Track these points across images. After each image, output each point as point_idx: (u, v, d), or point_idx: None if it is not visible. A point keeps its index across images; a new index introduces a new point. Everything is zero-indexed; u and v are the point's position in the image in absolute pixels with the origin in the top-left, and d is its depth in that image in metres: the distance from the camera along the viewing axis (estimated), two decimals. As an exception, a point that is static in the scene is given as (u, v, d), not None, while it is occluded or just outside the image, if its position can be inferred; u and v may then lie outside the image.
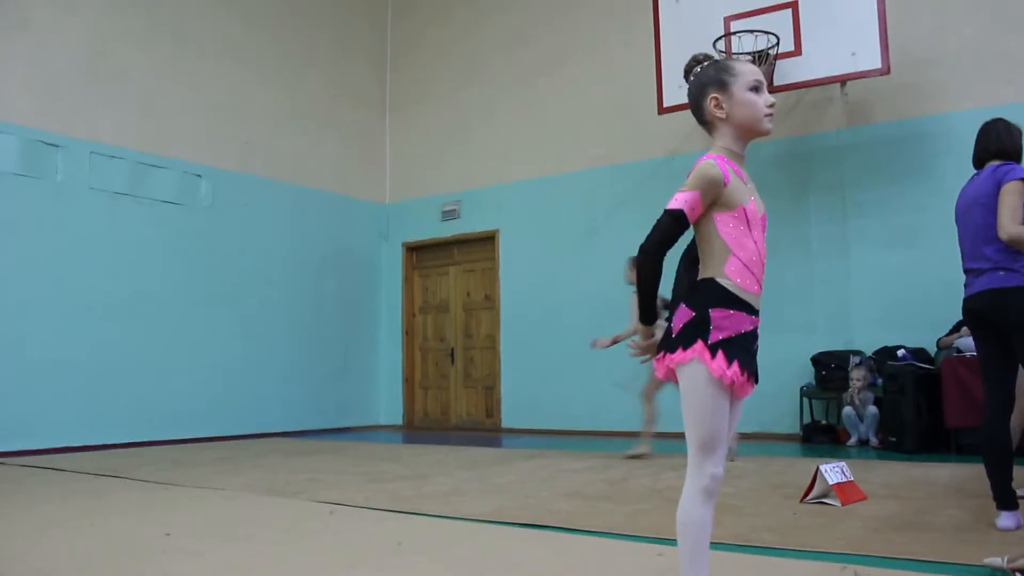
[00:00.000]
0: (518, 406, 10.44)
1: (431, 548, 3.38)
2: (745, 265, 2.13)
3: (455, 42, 11.62)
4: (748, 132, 2.24)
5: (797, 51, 7.79)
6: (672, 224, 2.12)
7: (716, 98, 2.22)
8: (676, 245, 2.20)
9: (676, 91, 8.43)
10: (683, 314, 2.14)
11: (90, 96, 8.74)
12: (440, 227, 11.42)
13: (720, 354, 2.06)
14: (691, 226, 2.16)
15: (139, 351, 8.79)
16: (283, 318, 10.43)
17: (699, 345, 2.08)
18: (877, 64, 7.42)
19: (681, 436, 2.19)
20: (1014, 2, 7.74)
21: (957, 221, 4.04)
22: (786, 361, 8.50)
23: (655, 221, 2.16)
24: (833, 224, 8.47)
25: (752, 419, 8.61)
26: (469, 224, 11.11)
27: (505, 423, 10.54)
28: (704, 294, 2.12)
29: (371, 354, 11.62)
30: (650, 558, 3.10)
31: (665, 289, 2.20)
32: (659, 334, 2.23)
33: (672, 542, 3.36)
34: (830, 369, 8.10)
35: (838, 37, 7.58)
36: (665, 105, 8.55)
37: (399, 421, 11.62)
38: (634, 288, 2.20)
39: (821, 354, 8.23)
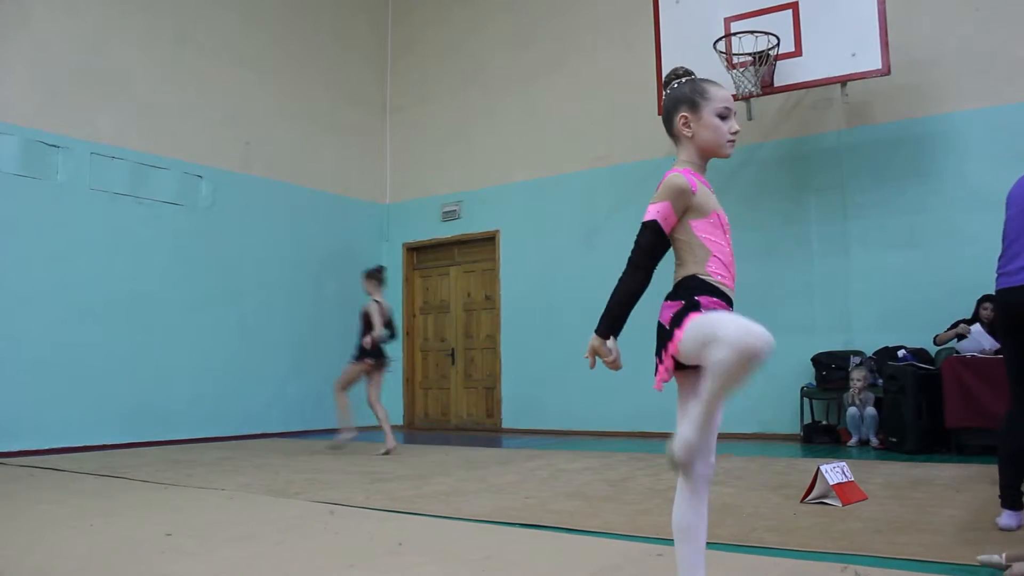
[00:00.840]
0: (518, 406, 10.44)
1: (431, 548, 3.38)
2: (724, 264, 2.25)
3: (455, 43, 11.62)
4: (709, 153, 2.33)
5: (797, 52, 7.79)
6: (652, 235, 2.24)
7: (685, 117, 2.32)
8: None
9: (676, 91, 8.43)
10: (670, 307, 2.21)
11: (90, 97, 8.74)
12: (440, 228, 11.42)
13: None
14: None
15: (139, 351, 8.79)
16: (283, 318, 10.43)
17: (692, 314, 2.13)
18: (877, 65, 7.42)
19: (666, 436, 2.24)
20: (1014, 2, 7.74)
21: (1010, 205, 3.68)
22: (786, 361, 8.49)
23: (636, 238, 2.26)
24: (833, 224, 8.47)
25: (752, 419, 8.63)
26: (469, 225, 11.11)
27: (505, 423, 10.54)
28: (689, 288, 2.20)
29: (371, 354, 11.61)
30: (650, 558, 3.10)
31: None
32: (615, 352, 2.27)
33: (672, 542, 3.37)
34: (830, 369, 8.10)
35: (838, 38, 7.58)
36: (665, 105, 8.53)
37: (400, 421, 11.61)
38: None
39: (821, 354, 8.23)
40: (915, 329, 7.78)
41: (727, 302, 2.21)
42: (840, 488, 4.19)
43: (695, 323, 2.11)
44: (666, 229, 2.23)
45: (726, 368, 1.98)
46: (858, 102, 8.27)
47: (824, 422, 8.23)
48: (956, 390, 6.66)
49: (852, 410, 7.69)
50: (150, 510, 4.54)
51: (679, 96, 2.35)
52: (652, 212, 2.23)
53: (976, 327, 7.09)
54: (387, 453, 7.49)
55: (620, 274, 2.34)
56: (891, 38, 7.45)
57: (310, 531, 3.81)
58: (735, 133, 2.30)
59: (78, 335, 8.39)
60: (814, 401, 8.37)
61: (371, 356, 7.79)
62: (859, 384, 7.65)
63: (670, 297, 2.23)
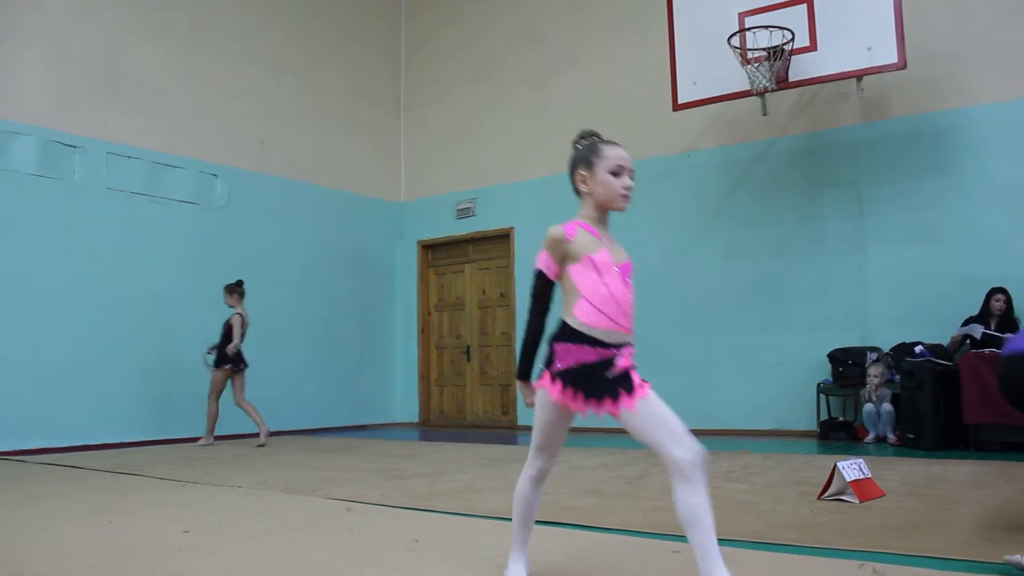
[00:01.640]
0: (534, 404, 10.43)
1: (447, 545, 3.38)
2: (594, 306, 2.46)
3: (468, 40, 11.62)
4: (604, 206, 2.57)
5: (812, 46, 7.75)
6: (539, 282, 2.55)
7: (582, 175, 2.58)
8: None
9: (691, 87, 8.41)
10: (545, 350, 2.54)
11: (106, 97, 8.80)
12: (455, 225, 11.43)
13: (558, 382, 2.45)
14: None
15: (156, 350, 8.85)
16: (299, 317, 10.47)
17: (545, 375, 2.50)
18: (893, 59, 7.37)
19: (691, 433, 2.46)
20: (1032, -5, 7.68)
21: None
22: (802, 358, 8.48)
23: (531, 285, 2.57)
24: (849, 220, 8.43)
25: (768, 416, 8.60)
26: (484, 222, 11.11)
27: (521, 421, 10.54)
28: (556, 332, 2.51)
29: (387, 352, 11.64)
30: (666, 555, 3.09)
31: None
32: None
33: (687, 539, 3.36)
34: (847, 366, 8.06)
35: (854, 32, 7.54)
36: (680, 101, 8.52)
37: (415, 419, 11.64)
38: None
39: (838, 350, 8.20)
40: (932, 325, 7.74)
41: (592, 343, 2.44)
42: (857, 485, 4.17)
43: (536, 408, 2.56)
44: (551, 276, 2.53)
45: (519, 492, 2.66)
46: (874, 96, 8.22)
47: (841, 418, 8.19)
48: (974, 386, 6.62)
49: (869, 406, 7.65)
50: (167, 507, 4.56)
51: (578, 157, 2.62)
52: (538, 262, 2.54)
53: (980, 328, 7.05)
54: (262, 445, 8.29)
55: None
56: (907, 31, 7.40)
57: (326, 528, 3.82)
58: (628, 188, 2.55)
59: (95, 333, 8.45)
60: (831, 397, 8.34)
61: (231, 362, 8.47)
62: (876, 380, 7.61)
63: (548, 340, 2.54)
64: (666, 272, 9.37)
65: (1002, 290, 7.29)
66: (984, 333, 7.03)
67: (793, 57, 7.80)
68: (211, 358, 8.55)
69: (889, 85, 8.14)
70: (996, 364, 3.45)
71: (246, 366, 8.58)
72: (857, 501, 4.08)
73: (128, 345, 8.70)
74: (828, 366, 8.28)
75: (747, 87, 8.03)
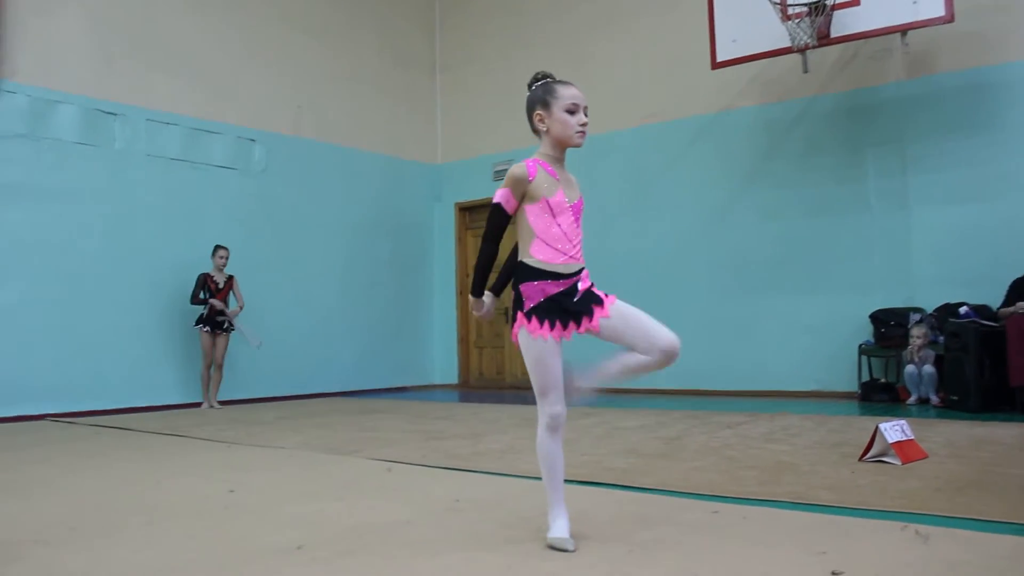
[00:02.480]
0: (574, 365, 10.43)
1: (488, 505, 3.42)
2: (549, 245, 2.69)
3: (503, 1, 11.50)
4: (562, 144, 2.79)
5: (855, 1, 7.57)
6: (496, 214, 2.71)
7: (540, 114, 2.79)
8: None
9: (730, 45, 8.28)
10: (512, 295, 2.74)
11: (145, 64, 8.87)
12: (492, 187, 11.34)
13: (534, 319, 2.65)
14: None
15: (197, 313, 8.97)
16: (338, 280, 10.55)
17: (520, 317, 2.69)
18: (940, 12, 7.18)
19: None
20: (1086, -57, 7.42)
21: None
22: (843, 319, 8.39)
23: (488, 215, 2.74)
24: (892, 179, 8.28)
25: (808, 377, 8.55)
26: (521, 184, 11.04)
27: (560, 382, 10.55)
28: (518, 275, 2.71)
29: (426, 314, 11.71)
30: (705, 515, 3.10)
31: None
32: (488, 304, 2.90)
33: (728, 499, 3.36)
34: (889, 327, 7.97)
35: (899, -15, 7.34)
36: (718, 60, 8.40)
37: (454, 380, 11.73)
38: None
39: (880, 311, 8.10)
40: (978, 285, 7.61)
41: (552, 278, 2.68)
42: (899, 446, 4.13)
43: (523, 352, 2.74)
44: (508, 210, 2.70)
45: (540, 449, 2.75)
46: (919, 51, 8.03)
47: (882, 380, 8.11)
48: (1021, 347, 6.51)
49: (911, 368, 7.57)
50: (212, 468, 4.65)
51: (534, 97, 2.83)
52: (497, 195, 2.70)
53: None
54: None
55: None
56: (955, -16, 7.20)
57: (368, 488, 3.88)
58: (583, 125, 2.77)
59: (139, 299, 8.60)
60: (872, 359, 8.25)
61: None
62: (919, 342, 7.52)
63: (512, 283, 2.76)
64: (704, 233, 9.29)
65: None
66: None
67: (835, 12, 7.63)
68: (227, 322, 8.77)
69: (935, 39, 7.93)
70: None
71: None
72: (899, 463, 4.05)
73: (170, 309, 8.84)
74: (870, 327, 8.19)
75: (787, 44, 7.88)
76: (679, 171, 9.54)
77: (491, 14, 11.64)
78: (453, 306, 11.79)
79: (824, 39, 7.74)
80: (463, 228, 11.83)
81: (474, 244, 11.76)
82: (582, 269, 2.76)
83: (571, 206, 2.76)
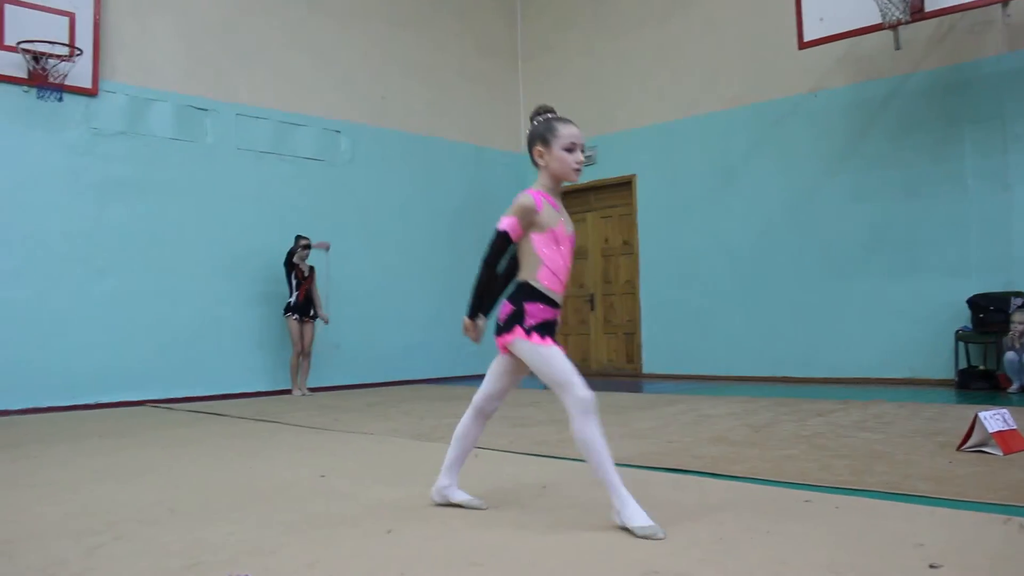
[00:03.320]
0: (659, 352, 10.37)
1: (575, 491, 3.42)
2: (553, 272, 2.90)
3: (585, -14, 11.43)
4: (559, 179, 2.96)
5: (951, -27, 7.29)
6: (501, 242, 2.88)
7: (540, 150, 2.94)
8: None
9: (817, 24, 8.09)
10: (506, 308, 2.92)
11: (233, 62, 9.11)
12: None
13: (535, 334, 2.86)
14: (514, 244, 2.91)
15: (285, 303, 9.18)
16: (422, 268, 10.66)
17: (518, 330, 2.87)
18: (1043, -18, 6.86)
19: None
20: None
21: None
22: (939, 304, 8.12)
23: (490, 240, 2.89)
24: (991, 158, 7.96)
25: (902, 364, 8.31)
26: (605, 170, 11.00)
27: (646, 368, 10.50)
28: (522, 293, 2.90)
29: (510, 302, 11.74)
30: (797, 504, 3.04)
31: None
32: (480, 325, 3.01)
33: (820, 488, 3.30)
34: (988, 312, 7.69)
35: (998, -45, 7.04)
36: (806, 39, 8.20)
37: (538, 368, 11.73)
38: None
39: (978, 296, 7.81)
40: (1084, 267, 7.27)
41: (551, 304, 2.90)
42: (1001, 436, 3.98)
43: (529, 358, 2.89)
44: (514, 239, 2.88)
45: (581, 436, 2.82)
46: (1021, 23, 7.68)
47: (981, 367, 7.83)
48: None
49: (1011, 355, 7.29)
50: (304, 453, 4.77)
51: (535, 133, 2.97)
52: (504, 224, 2.86)
53: None
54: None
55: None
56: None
57: (456, 474, 3.91)
58: (579, 163, 2.92)
59: (230, 288, 8.86)
60: (970, 345, 7.97)
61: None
62: (1020, 327, 7.24)
63: (508, 298, 2.94)
64: (789, 218, 9.09)
65: None
66: None
67: (930, -15, 7.36)
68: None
69: (1037, 11, 7.59)
70: None
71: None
72: (1001, 453, 3.91)
73: (261, 298, 9.08)
74: (967, 312, 7.91)
75: (878, 20, 7.64)
76: (765, 154, 9.36)
77: (572, 1, 11.57)
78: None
79: (918, 13, 7.47)
80: (546, 215, 11.80)
81: (557, 231, 11.73)
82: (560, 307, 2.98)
83: (569, 236, 2.98)
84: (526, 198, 2.87)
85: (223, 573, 2.36)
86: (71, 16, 7.83)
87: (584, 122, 11.97)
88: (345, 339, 9.56)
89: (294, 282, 8.86)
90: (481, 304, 2.98)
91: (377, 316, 10.07)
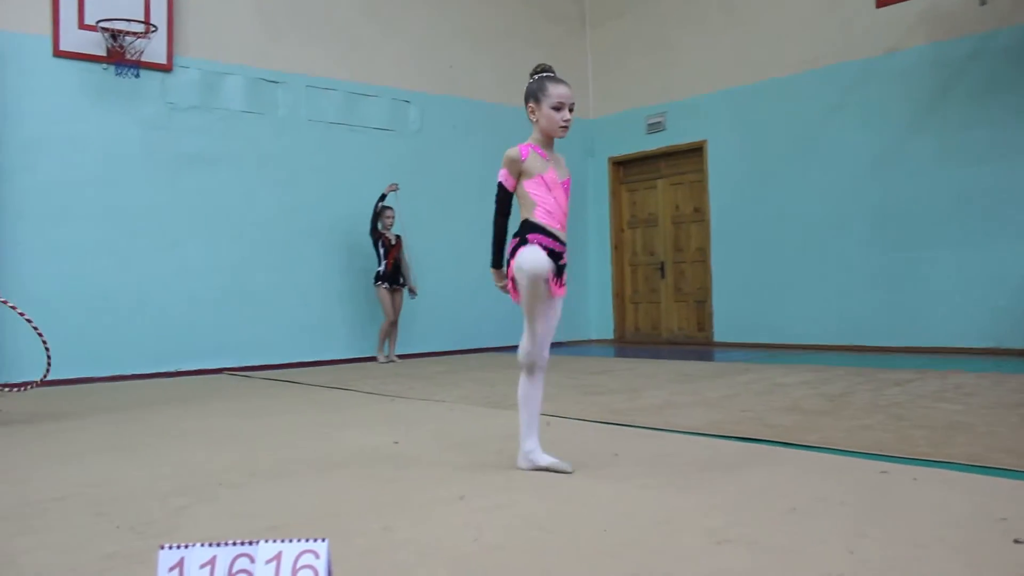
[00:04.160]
0: (730, 320, 10.25)
1: (647, 459, 3.42)
2: (548, 212, 3.19)
3: (655, -52, 11.22)
4: (548, 134, 3.26)
5: (1041, -76, 6.96)
6: (500, 192, 3.27)
7: (531, 107, 3.27)
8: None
9: (898, -20, 7.79)
10: (513, 242, 3.21)
11: (302, 34, 9.21)
12: (645, 140, 11.23)
13: (535, 246, 3.08)
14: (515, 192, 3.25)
15: (360, 273, 9.30)
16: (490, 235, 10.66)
17: (521, 248, 3.11)
18: None
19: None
20: None
21: None
22: (1021, 269, 7.84)
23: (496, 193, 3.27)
24: (1083, 117, 7.61)
25: (985, 334, 8.07)
26: (675, 136, 10.85)
27: (717, 337, 10.39)
28: (523, 229, 3.19)
29: (581, 270, 11.72)
30: (873, 475, 3.00)
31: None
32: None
33: (897, 459, 3.24)
34: (1077, 277, 7.40)
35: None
36: (885, -4, 7.92)
37: (610, 335, 11.73)
38: None
39: (1067, 261, 7.52)
40: None
41: (550, 236, 3.17)
42: (1089, 405, 3.85)
43: (517, 257, 3.09)
44: (508, 187, 3.24)
45: (522, 287, 3.08)
46: (1115, -24, 7.32)
47: (1069, 335, 7.55)
48: None
49: (1103, 321, 7.02)
50: (378, 420, 4.85)
51: (529, 91, 3.29)
52: (500, 176, 3.25)
53: None
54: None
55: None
56: None
57: (527, 442, 3.94)
58: (566, 120, 3.22)
59: (303, 258, 9.02)
60: (1058, 312, 7.69)
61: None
62: (1112, 293, 6.95)
63: (514, 235, 3.23)
64: (868, 182, 8.85)
65: None
66: None
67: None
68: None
69: None
70: None
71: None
72: (1089, 423, 3.78)
73: (334, 268, 9.23)
74: (1055, 278, 7.63)
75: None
76: (842, 118, 9.11)
77: (641, -38, 11.37)
78: (608, 261, 11.76)
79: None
80: (617, 183, 11.72)
81: (628, 199, 11.66)
82: (565, 245, 3.24)
83: (562, 182, 3.25)
84: (511, 150, 3.22)
85: (301, 533, 2.42)
86: (147, -7, 8.01)
87: (653, 88, 11.89)
88: (418, 307, 9.65)
89: (381, 251, 8.95)
90: (500, 253, 3.31)
91: (448, 284, 10.14)
